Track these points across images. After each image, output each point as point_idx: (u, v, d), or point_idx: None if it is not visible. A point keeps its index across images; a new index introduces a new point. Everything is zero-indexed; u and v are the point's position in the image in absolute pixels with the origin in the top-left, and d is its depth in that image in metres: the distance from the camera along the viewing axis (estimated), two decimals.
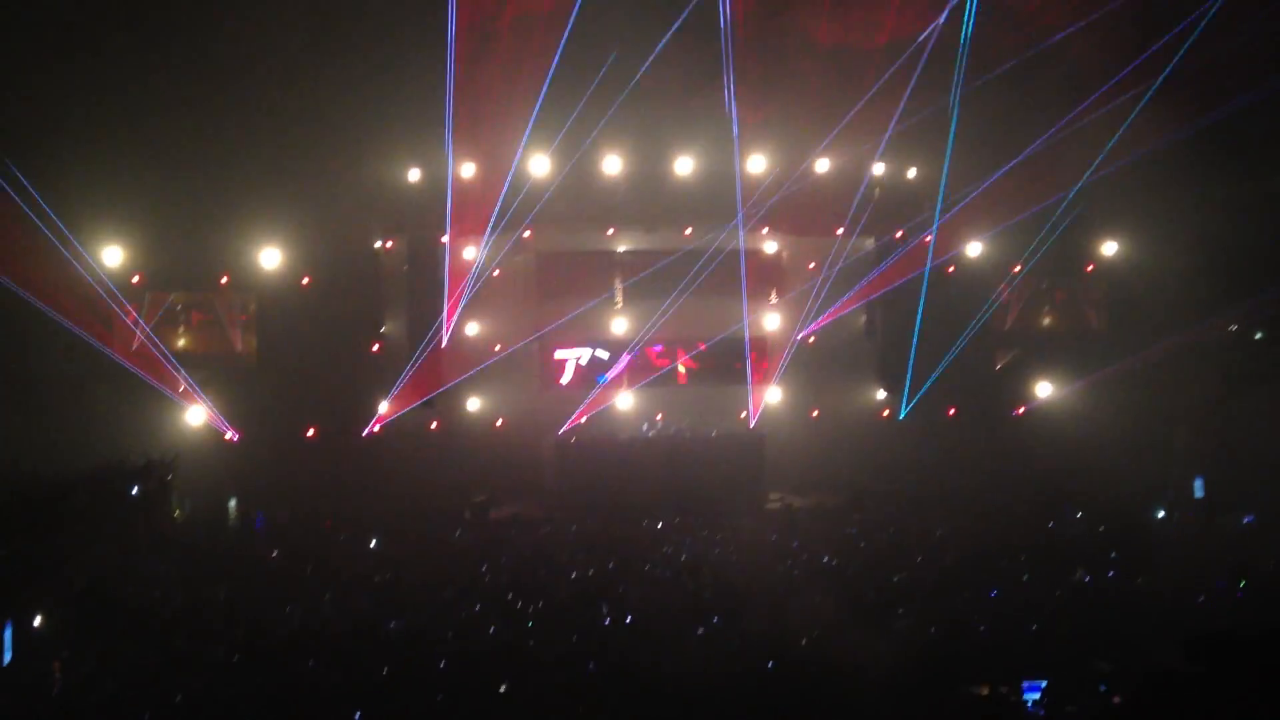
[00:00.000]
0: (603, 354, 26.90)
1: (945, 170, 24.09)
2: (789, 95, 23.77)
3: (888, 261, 26.71)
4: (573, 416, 26.01)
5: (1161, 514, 20.47)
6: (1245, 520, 19.92)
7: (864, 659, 11.26)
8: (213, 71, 21.79)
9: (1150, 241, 26.44)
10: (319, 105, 22.61)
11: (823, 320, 27.05)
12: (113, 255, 23.44)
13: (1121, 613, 12.89)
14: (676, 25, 21.28)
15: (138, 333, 23.73)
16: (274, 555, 18.46)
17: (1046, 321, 27.81)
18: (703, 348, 27.11)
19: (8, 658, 12.00)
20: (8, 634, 12.04)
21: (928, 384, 25.95)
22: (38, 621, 12.93)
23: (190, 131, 21.81)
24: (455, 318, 25.46)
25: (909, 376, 26.35)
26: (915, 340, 26.10)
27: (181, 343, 24.50)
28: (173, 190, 22.81)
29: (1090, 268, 27.67)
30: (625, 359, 26.91)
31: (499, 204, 24.34)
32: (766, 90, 23.50)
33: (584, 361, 26.89)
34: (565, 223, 26.01)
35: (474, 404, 26.41)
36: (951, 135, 23.16)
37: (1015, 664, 10.78)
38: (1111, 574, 15.35)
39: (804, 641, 11.89)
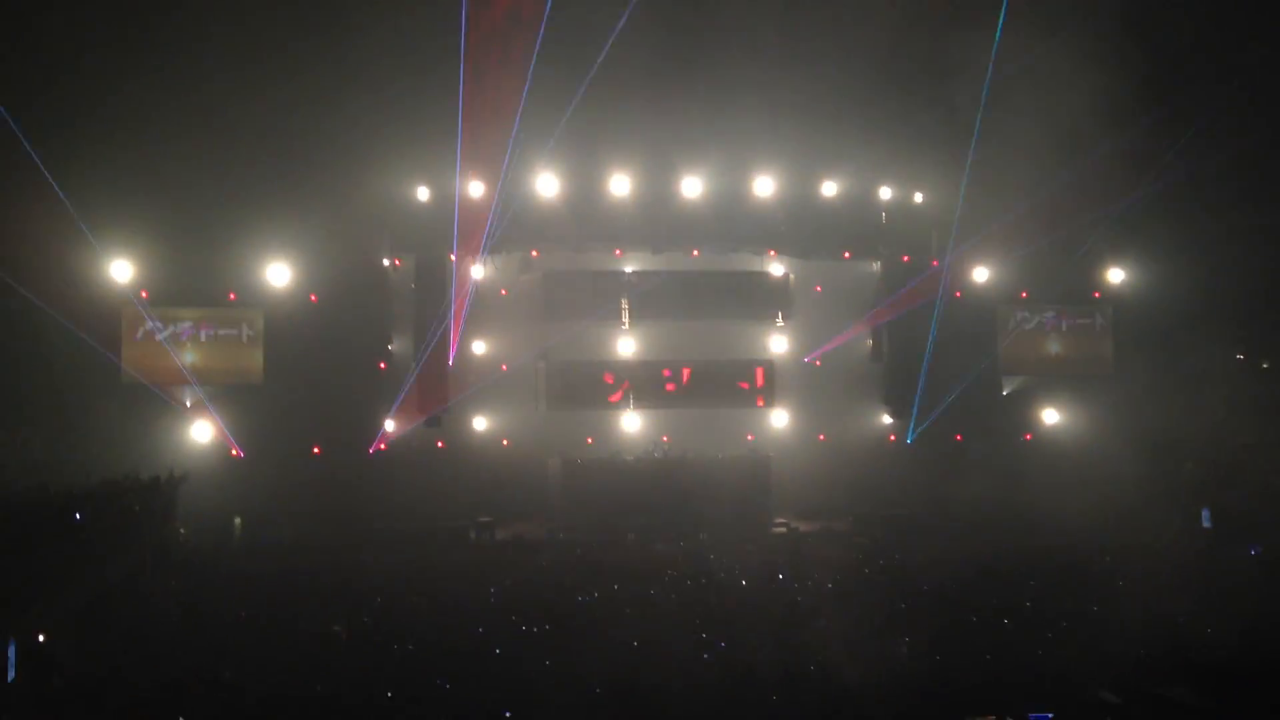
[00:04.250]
0: None
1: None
2: (800, 117, 23.85)
3: (895, 286, 26.71)
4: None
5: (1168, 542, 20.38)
6: (1251, 551, 19.85)
7: (869, 686, 11.22)
8: (222, 89, 21.89)
9: (1157, 270, 26.37)
10: (329, 123, 22.65)
11: (830, 345, 27.06)
12: (120, 270, 23.47)
13: (1128, 642, 12.82)
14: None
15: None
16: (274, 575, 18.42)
17: (1054, 348, 27.64)
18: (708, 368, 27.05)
19: (11, 675, 11.95)
20: (11, 652, 11.99)
21: (936, 409, 25.85)
22: (41, 639, 12.88)
23: (199, 149, 21.83)
24: (461, 336, 25.48)
25: (916, 401, 26.30)
26: (923, 364, 26.06)
27: (188, 359, 24.44)
28: (181, 207, 22.84)
29: (1096, 295, 27.56)
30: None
31: (506, 223, 24.52)
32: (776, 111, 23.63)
33: None
34: (573, 242, 26.07)
35: (480, 423, 26.35)
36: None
37: (1021, 693, 10.73)
38: (1119, 603, 15.30)
39: (810, 668, 11.84)
